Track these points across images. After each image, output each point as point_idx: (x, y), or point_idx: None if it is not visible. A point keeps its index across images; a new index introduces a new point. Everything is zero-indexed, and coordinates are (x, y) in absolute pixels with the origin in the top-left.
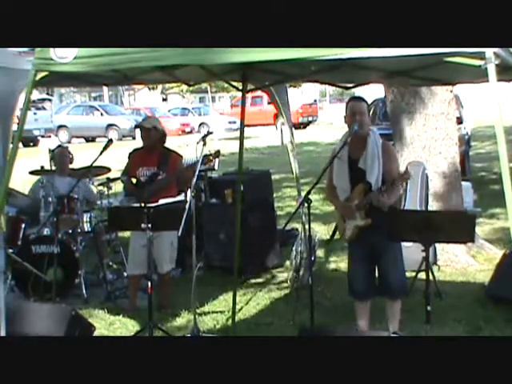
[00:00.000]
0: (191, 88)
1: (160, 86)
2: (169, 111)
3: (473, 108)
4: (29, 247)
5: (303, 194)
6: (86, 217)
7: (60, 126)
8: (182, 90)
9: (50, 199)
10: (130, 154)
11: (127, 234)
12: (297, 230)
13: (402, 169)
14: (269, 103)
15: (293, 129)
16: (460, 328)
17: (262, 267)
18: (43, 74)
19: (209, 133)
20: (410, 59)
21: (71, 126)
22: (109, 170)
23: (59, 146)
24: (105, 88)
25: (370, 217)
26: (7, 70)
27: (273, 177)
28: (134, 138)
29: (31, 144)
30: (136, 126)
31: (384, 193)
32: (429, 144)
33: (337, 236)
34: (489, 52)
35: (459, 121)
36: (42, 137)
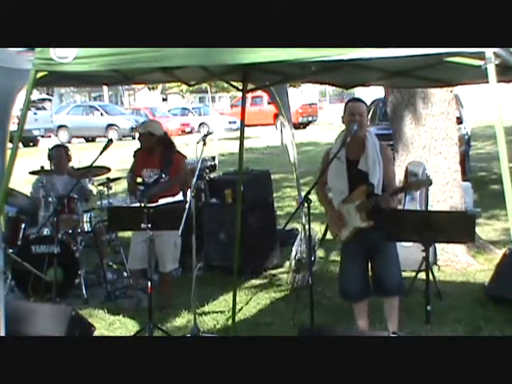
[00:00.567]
0: (191, 88)
1: (160, 86)
2: (169, 111)
3: (473, 108)
4: (29, 247)
5: (303, 193)
6: (86, 217)
7: (60, 126)
8: (181, 90)
9: (50, 199)
10: (134, 152)
11: (127, 234)
12: (297, 229)
13: (399, 169)
14: (269, 103)
15: (293, 129)
16: (460, 328)
17: (262, 267)
18: (43, 73)
19: (209, 133)
20: (410, 59)
21: (71, 125)
22: (109, 169)
23: (56, 145)
24: (105, 88)
25: (371, 218)
26: (5, 69)
27: (273, 177)
28: (133, 138)
29: (31, 144)
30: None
31: (395, 197)
32: (429, 144)
33: (330, 236)
34: (489, 52)
35: (459, 121)
36: (42, 137)
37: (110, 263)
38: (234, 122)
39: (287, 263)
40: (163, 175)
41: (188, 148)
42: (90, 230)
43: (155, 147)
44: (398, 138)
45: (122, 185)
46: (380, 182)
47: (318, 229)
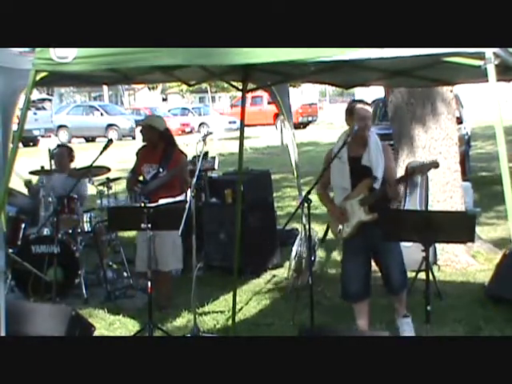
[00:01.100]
0: (191, 88)
1: (160, 86)
2: (169, 111)
3: (473, 108)
4: (29, 247)
5: (303, 193)
6: (86, 217)
7: (60, 126)
8: (181, 90)
9: (50, 199)
10: (137, 150)
11: (127, 234)
12: (297, 229)
13: (400, 169)
14: (269, 103)
15: (293, 128)
16: (460, 328)
17: (262, 267)
18: (43, 74)
19: (209, 133)
20: (410, 59)
21: (71, 125)
22: (109, 169)
23: (59, 145)
24: (105, 88)
25: (374, 211)
26: (8, 69)
27: (273, 177)
28: (133, 138)
29: (31, 144)
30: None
31: (401, 184)
32: (429, 144)
33: (331, 236)
34: (488, 52)
35: (459, 121)
36: (42, 137)
37: (110, 263)
38: (234, 122)
39: (287, 263)
40: (161, 169)
41: (188, 148)
42: (89, 229)
43: (158, 143)
44: (398, 138)
45: (122, 185)
46: (383, 175)
47: (317, 229)
